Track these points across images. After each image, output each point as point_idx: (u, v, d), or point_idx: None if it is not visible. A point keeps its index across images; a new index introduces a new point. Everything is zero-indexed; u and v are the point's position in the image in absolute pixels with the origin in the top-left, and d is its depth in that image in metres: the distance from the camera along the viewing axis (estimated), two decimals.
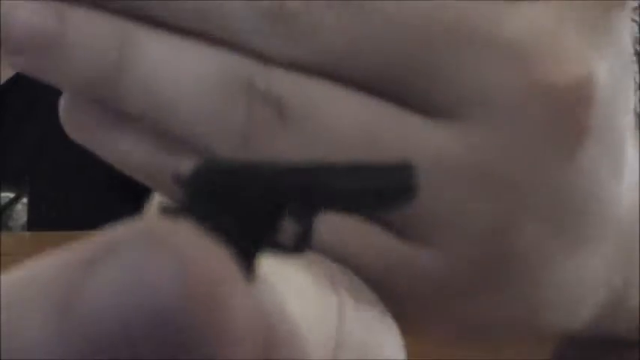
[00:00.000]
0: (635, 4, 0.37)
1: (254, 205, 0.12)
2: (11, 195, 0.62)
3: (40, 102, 0.70)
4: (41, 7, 0.20)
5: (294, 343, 0.12)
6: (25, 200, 0.62)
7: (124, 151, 0.21)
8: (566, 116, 0.19)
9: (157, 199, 0.22)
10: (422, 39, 0.19)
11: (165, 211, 0.12)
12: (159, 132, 0.21)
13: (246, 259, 0.11)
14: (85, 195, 0.60)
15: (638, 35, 0.38)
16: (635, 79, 0.22)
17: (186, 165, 0.15)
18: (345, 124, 0.19)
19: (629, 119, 0.21)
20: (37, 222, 0.62)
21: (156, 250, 0.10)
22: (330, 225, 0.19)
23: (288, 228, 0.12)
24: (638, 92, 0.25)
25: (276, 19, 0.19)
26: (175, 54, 0.20)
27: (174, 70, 0.20)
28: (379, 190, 0.12)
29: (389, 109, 0.20)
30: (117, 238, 0.10)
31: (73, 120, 0.21)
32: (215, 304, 0.10)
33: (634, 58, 0.22)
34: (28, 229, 0.61)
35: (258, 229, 0.12)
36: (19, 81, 0.65)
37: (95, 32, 0.20)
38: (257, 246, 0.12)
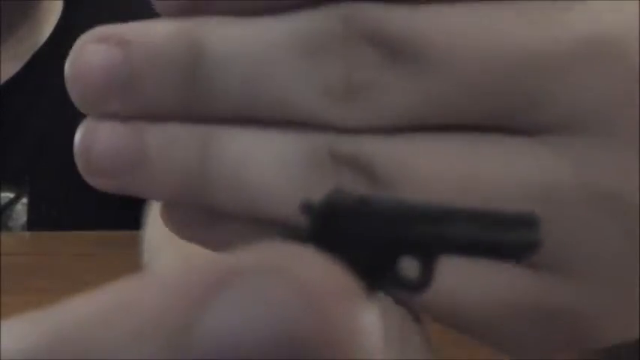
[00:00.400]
0: None
1: (377, 242, 0.12)
2: (11, 195, 0.62)
3: (40, 102, 0.71)
4: (121, 127, 0.20)
5: None
6: (25, 200, 0.62)
7: (229, 241, 0.21)
8: None
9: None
10: (513, 71, 0.18)
11: (286, 236, 0.12)
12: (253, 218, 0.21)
13: (368, 295, 0.11)
14: (85, 195, 0.60)
15: None
16: None
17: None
18: (441, 175, 0.19)
19: None
20: (37, 222, 0.62)
21: (285, 281, 0.09)
22: (454, 269, 0.19)
23: (410, 266, 0.12)
24: None
25: (347, 96, 0.19)
26: (255, 143, 0.20)
27: (257, 158, 0.20)
28: (501, 241, 0.12)
29: (486, 142, 0.19)
30: (240, 265, 0.10)
31: (174, 221, 0.22)
32: (345, 334, 0.09)
33: None
34: (28, 229, 0.61)
35: (380, 265, 0.12)
36: (19, 81, 0.65)
37: (175, 143, 0.20)
38: (377, 283, 0.12)
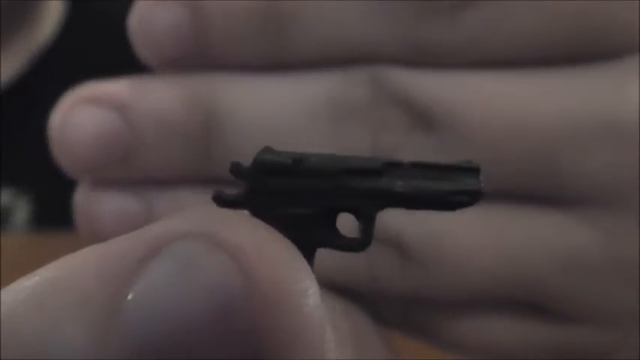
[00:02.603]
0: None
1: (314, 201, 0.12)
2: (11, 195, 0.62)
3: (41, 102, 0.70)
4: (127, 199, 0.19)
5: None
6: (25, 200, 0.62)
7: None
8: None
9: None
10: (543, 144, 0.18)
11: (220, 200, 0.12)
12: None
13: (304, 255, 0.11)
14: None
15: None
16: None
17: None
18: (470, 248, 0.19)
19: None
20: (37, 222, 0.61)
21: (216, 246, 0.09)
22: (481, 329, 0.20)
23: (348, 224, 0.12)
24: None
25: None
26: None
27: None
28: (445, 192, 0.12)
29: (512, 210, 0.19)
30: (169, 233, 0.10)
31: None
32: (286, 306, 0.09)
33: None
34: (29, 229, 0.61)
35: (317, 224, 0.12)
36: (20, 81, 0.65)
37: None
38: (314, 242, 0.12)
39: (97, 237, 0.20)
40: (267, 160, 0.12)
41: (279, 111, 0.19)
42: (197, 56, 0.19)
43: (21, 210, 0.61)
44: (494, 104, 0.18)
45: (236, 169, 0.12)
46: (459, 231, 0.19)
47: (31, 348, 0.09)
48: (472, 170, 0.12)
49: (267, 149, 0.12)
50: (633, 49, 0.18)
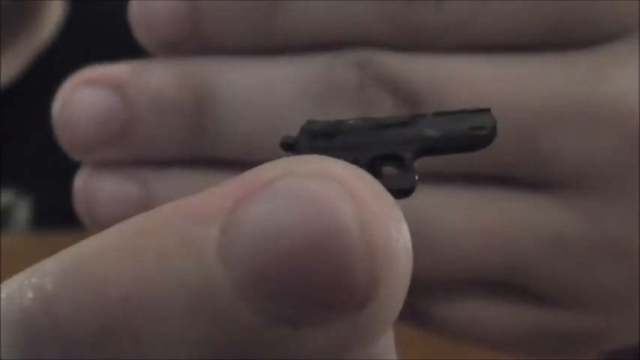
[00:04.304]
0: None
1: (358, 155, 0.13)
2: (11, 195, 0.62)
3: (42, 102, 0.70)
4: (124, 179, 0.20)
5: None
6: (26, 200, 0.62)
7: None
8: None
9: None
10: (524, 125, 0.19)
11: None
12: None
13: None
14: None
15: None
16: None
17: None
18: (454, 230, 0.19)
19: None
20: (37, 222, 0.62)
21: (321, 176, 0.09)
22: (468, 314, 0.20)
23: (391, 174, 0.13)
24: None
25: None
26: None
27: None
28: (470, 129, 0.13)
29: (499, 194, 0.20)
30: (263, 176, 0.10)
31: None
32: (390, 229, 0.10)
33: None
34: (28, 229, 0.61)
35: None
36: (20, 81, 0.65)
37: (183, 192, 0.20)
38: None
39: (96, 220, 0.20)
40: (313, 128, 0.13)
41: (270, 92, 0.19)
42: (192, 40, 0.20)
43: (21, 210, 0.61)
44: (479, 87, 0.19)
45: (286, 142, 0.13)
46: (443, 214, 0.19)
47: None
48: (484, 111, 0.13)
49: (310, 120, 0.13)
50: (614, 36, 0.19)
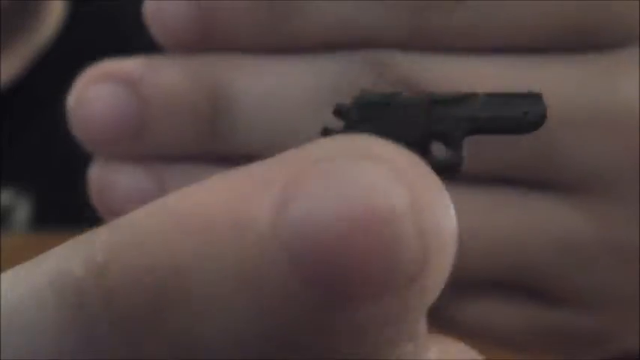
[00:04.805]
0: None
1: (409, 131, 0.13)
2: (11, 195, 0.62)
3: (42, 102, 0.71)
4: (139, 173, 0.20)
5: None
6: (26, 200, 0.62)
7: None
8: None
9: None
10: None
11: (326, 135, 0.13)
12: None
13: None
14: (86, 195, 0.60)
15: None
16: None
17: None
18: (466, 230, 0.20)
19: None
20: (37, 222, 0.61)
21: (370, 159, 0.09)
22: (477, 313, 0.20)
23: (439, 153, 0.13)
24: None
25: None
26: None
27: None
28: (521, 113, 0.13)
29: (508, 195, 0.20)
30: (316, 156, 0.10)
31: None
32: (441, 215, 0.10)
33: None
34: (28, 229, 0.61)
35: (412, 151, 0.13)
36: (21, 81, 0.65)
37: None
38: None
39: (110, 211, 0.20)
40: (367, 98, 0.13)
41: (283, 92, 0.19)
42: (207, 39, 0.20)
43: (21, 210, 0.61)
44: (493, 89, 0.19)
45: (339, 109, 0.13)
46: (456, 214, 0.20)
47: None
48: (536, 95, 0.13)
49: (364, 90, 0.13)
50: (628, 42, 0.19)
